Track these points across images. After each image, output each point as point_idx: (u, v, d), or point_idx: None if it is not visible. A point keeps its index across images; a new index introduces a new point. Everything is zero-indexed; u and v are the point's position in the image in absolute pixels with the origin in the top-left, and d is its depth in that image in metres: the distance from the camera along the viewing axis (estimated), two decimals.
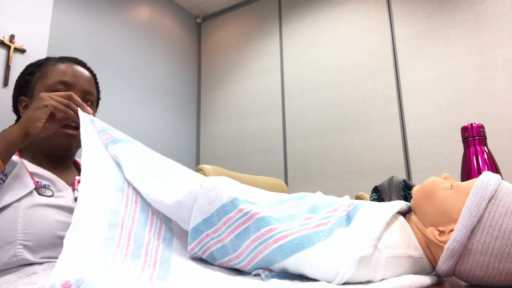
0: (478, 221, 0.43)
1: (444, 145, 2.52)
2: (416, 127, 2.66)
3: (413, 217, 0.52)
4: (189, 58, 3.91)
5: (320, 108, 3.09)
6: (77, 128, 0.83)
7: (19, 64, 2.09)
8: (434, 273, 0.50)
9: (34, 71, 0.92)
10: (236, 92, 3.64)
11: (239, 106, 3.58)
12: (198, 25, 4.07)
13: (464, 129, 0.90)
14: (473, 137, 0.88)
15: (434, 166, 2.54)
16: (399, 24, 2.86)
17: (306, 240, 0.45)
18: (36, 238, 0.72)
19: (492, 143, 0.91)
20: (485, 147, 0.87)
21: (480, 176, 0.47)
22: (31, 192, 0.76)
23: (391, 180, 1.09)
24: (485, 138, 0.88)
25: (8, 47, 2.06)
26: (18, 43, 2.10)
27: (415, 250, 0.47)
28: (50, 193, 0.79)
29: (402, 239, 0.47)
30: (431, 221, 0.48)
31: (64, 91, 0.87)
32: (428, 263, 0.49)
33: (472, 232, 0.44)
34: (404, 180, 1.08)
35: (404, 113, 2.73)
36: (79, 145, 0.88)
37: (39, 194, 0.77)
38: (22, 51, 2.12)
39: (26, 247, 0.71)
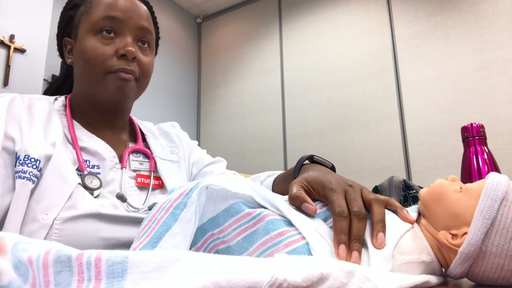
0: (492, 224, 0.43)
1: (444, 145, 2.52)
2: (416, 127, 2.66)
3: (423, 220, 0.51)
4: (189, 58, 3.91)
5: (320, 108, 3.09)
6: (131, 72, 0.70)
7: (19, 64, 2.09)
8: (442, 274, 0.50)
9: (77, 3, 0.74)
10: (236, 92, 3.64)
11: (239, 106, 3.58)
12: (198, 25, 4.07)
13: (464, 129, 0.90)
14: (473, 137, 0.88)
15: (434, 166, 2.53)
16: (399, 24, 2.86)
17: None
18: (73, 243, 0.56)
19: (492, 143, 0.91)
20: (485, 147, 0.87)
21: (489, 178, 0.47)
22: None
23: (391, 180, 1.09)
24: (485, 138, 0.88)
25: (8, 47, 2.06)
26: (18, 43, 2.10)
27: (427, 255, 0.47)
28: (97, 184, 0.64)
29: (415, 245, 0.47)
30: (442, 225, 0.48)
31: (114, 30, 0.70)
32: (438, 266, 0.49)
33: (486, 234, 0.44)
34: (404, 180, 1.08)
35: (404, 113, 2.73)
36: (135, 95, 0.75)
37: (85, 186, 0.62)
38: (22, 51, 2.12)
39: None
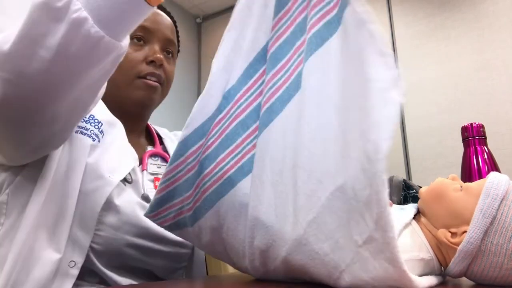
0: (491, 223, 0.44)
1: (444, 145, 2.52)
2: (416, 126, 2.66)
3: (422, 219, 0.52)
4: (189, 58, 3.91)
5: None
6: (158, 79, 0.76)
7: None
8: (441, 273, 0.50)
9: None
10: None
11: None
12: (198, 25, 4.07)
13: (464, 129, 0.90)
14: (473, 137, 0.87)
15: (434, 166, 2.54)
16: (399, 24, 2.85)
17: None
18: (107, 242, 0.60)
19: (492, 143, 0.91)
20: (485, 147, 0.87)
21: (489, 177, 0.47)
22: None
23: (391, 180, 1.09)
24: (485, 138, 0.88)
25: None
26: None
27: (426, 253, 0.47)
28: (130, 179, 0.68)
29: (414, 242, 0.47)
30: (442, 223, 0.48)
31: (143, 38, 0.76)
32: (437, 264, 0.49)
33: (485, 233, 0.44)
34: (404, 180, 1.08)
35: (404, 113, 2.73)
36: (159, 101, 0.80)
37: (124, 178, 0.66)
38: None
39: (93, 250, 0.60)
